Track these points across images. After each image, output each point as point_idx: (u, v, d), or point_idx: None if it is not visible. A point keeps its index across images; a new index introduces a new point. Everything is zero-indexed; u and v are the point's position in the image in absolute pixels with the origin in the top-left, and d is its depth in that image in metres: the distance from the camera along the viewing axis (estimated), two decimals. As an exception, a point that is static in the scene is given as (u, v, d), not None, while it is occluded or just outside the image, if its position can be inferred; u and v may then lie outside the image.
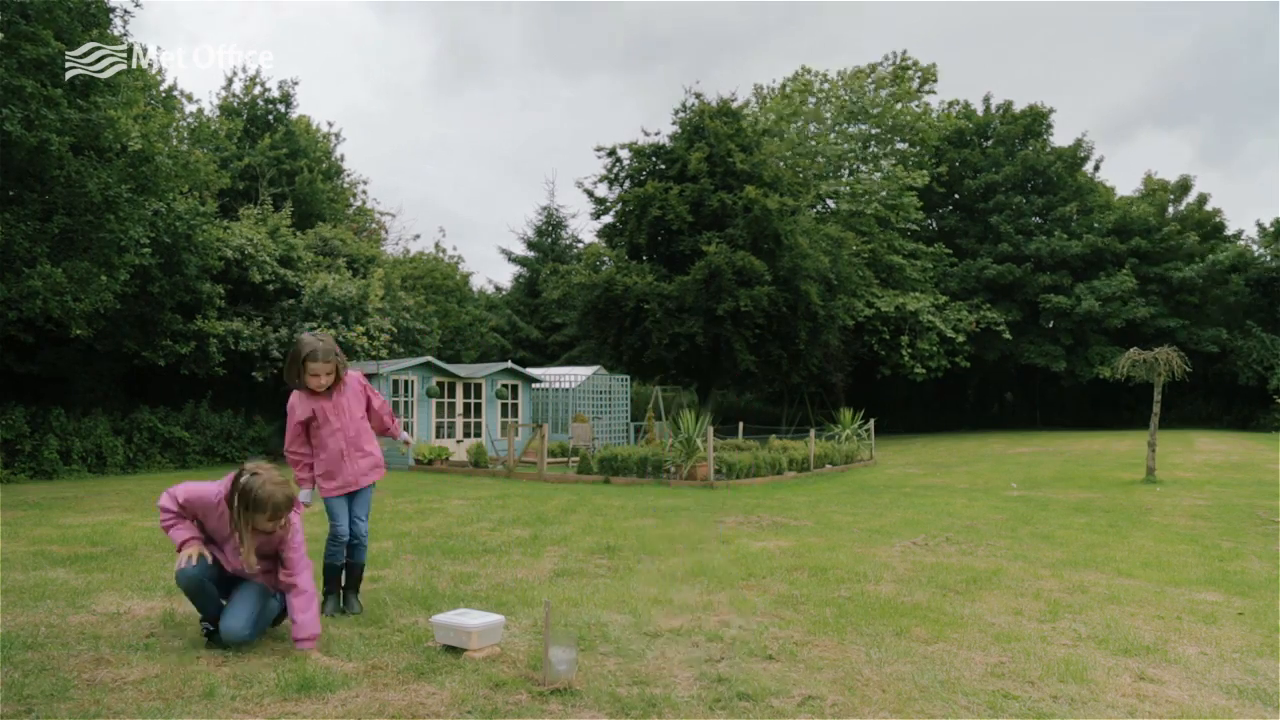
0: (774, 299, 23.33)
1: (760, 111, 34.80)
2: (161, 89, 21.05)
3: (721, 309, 22.78)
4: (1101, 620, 4.62)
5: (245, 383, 19.89)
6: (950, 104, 38.19)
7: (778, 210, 23.72)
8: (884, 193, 32.71)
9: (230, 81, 27.48)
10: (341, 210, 28.94)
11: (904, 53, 35.33)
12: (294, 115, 27.95)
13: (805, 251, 24.52)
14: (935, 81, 35.78)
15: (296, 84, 27.75)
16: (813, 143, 33.10)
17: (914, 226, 34.40)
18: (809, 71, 35.45)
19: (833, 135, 33.52)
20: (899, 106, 34.63)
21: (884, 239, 32.88)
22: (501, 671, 3.47)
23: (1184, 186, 38.06)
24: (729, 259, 22.73)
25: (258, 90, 27.33)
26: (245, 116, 26.76)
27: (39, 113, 11.80)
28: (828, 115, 34.46)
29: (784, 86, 35.64)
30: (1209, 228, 36.62)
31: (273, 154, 25.46)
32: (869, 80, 34.88)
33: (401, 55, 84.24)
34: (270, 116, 27.25)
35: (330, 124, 30.55)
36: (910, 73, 35.24)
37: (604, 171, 27.19)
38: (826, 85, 35.01)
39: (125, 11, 13.54)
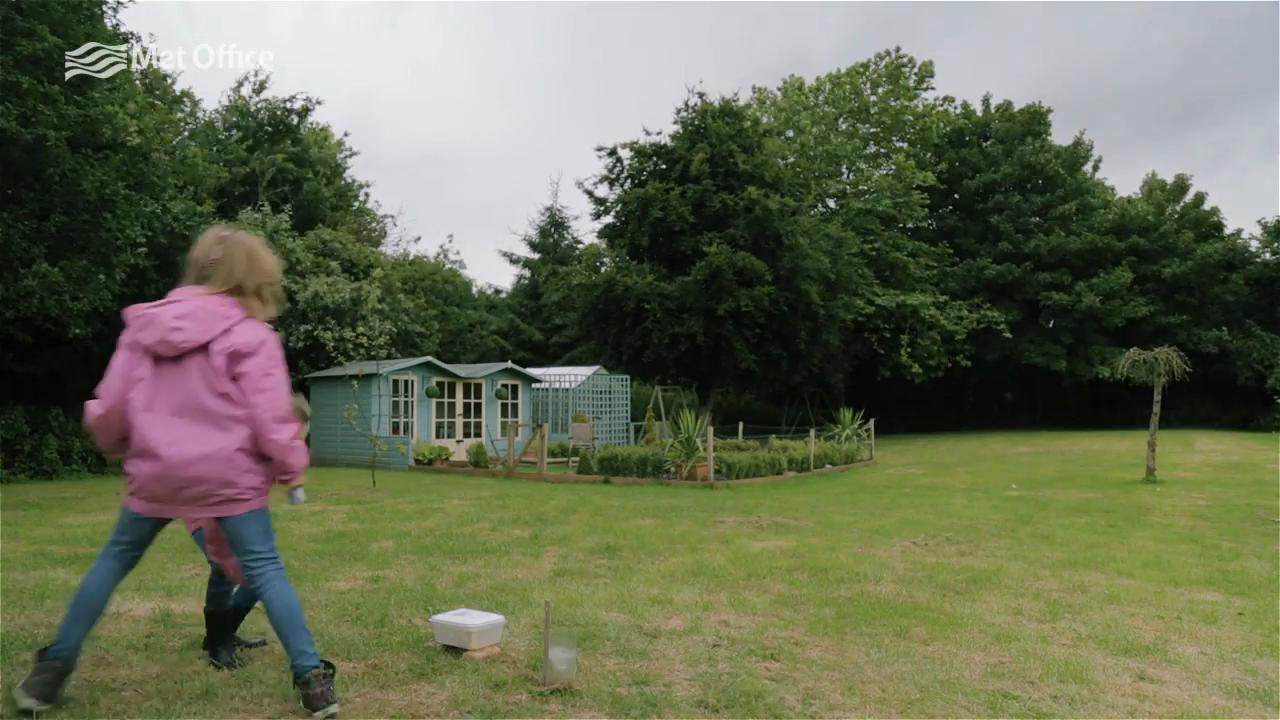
0: (774, 299, 23.33)
1: (759, 109, 34.84)
2: (169, 88, 21.10)
3: (722, 309, 22.78)
4: (1101, 620, 4.62)
5: (244, 383, 19.88)
6: (946, 99, 38.26)
7: (779, 211, 23.72)
8: (890, 192, 32.78)
9: (239, 85, 27.60)
10: (344, 214, 28.99)
11: (898, 49, 35.22)
12: (308, 125, 28.02)
13: (806, 252, 24.53)
14: (932, 77, 35.76)
15: (320, 103, 27.92)
16: (812, 140, 33.08)
17: (920, 225, 34.50)
18: (799, 82, 35.51)
19: (832, 134, 33.54)
20: (896, 104, 34.65)
21: (889, 238, 32.94)
22: (501, 671, 3.47)
23: (1181, 186, 38.14)
24: (730, 259, 22.73)
25: (267, 94, 27.42)
26: (253, 121, 26.83)
27: (35, 109, 11.77)
28: (825, 112, 34.44)
29: (785, 88, 35.65)
30: (1207, 226, 36.69)
31: (274, 156, 25.49)
32: (864, 79, 34.88)
33: (407, 50, 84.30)
34: (281, 125, 27.27)
35: (347, 134, 30.74)
36: (906, 70, 35.23)
37: (605, 171, 27.17)
38: (828, 85, 35.01)
39: (118, 2, 13.54)
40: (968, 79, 76.50)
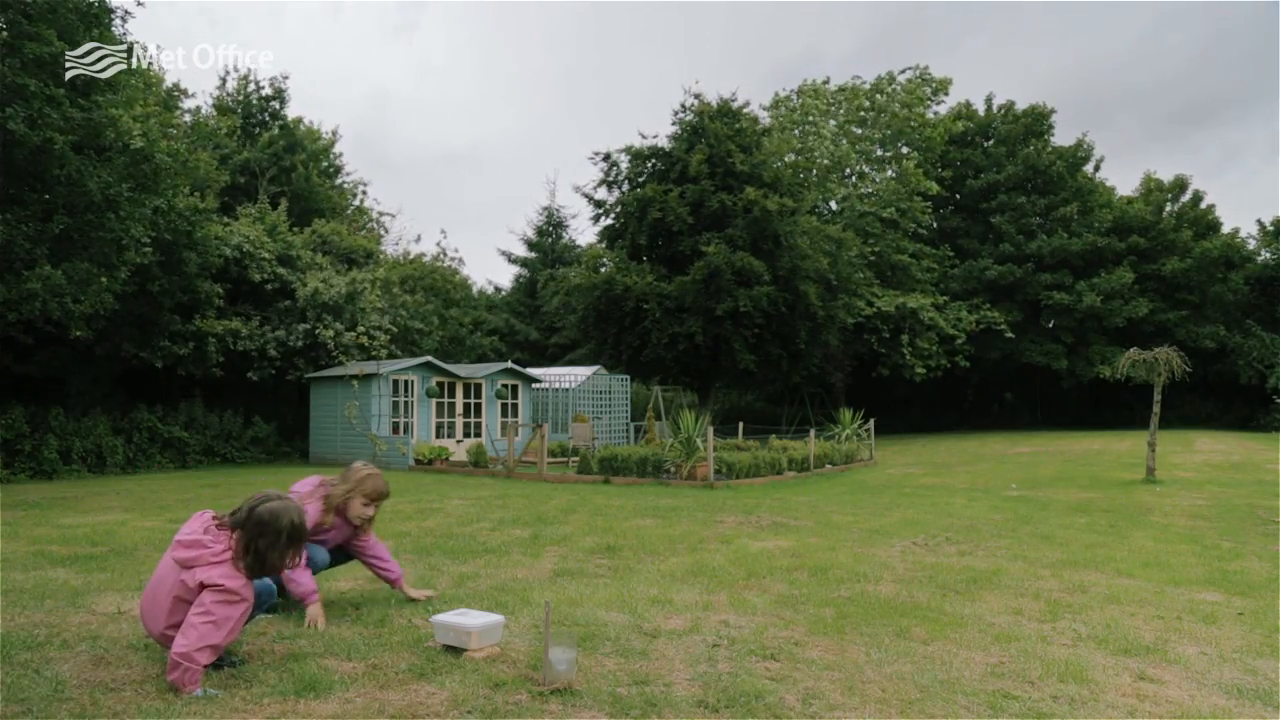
0: (773, 299, 23.32)
1: (774, 112, 34.99)
2: (162, 88, 21.10)
3: (721, 309, 22.78)
4: (1101, 620, 4.62)
5: (243, 383, 19.89)
6: (957, 108, 38.35)
7: (777, 211, 23.71)
8: (894, 196, 32.89)
9: (224, 81, 27.59)
10: (341, 208, 28.99)
11: (926, 67, 35.87)
12: (289, 113, 28.05)
13: (805, 252, 24.52)
14: (947, 94, 36.28)
15: (287, 78, 27.90)
16: (817, 141, 33.14)
17: (923, 230, 34.65)
18: (824, 83, 35.77)
19: (844, 141, 33.67)
20: (905, 112, 34.85)
21: (890, 240, 33.01)
22: (501, 671, 3.47)
23: (1180, 185, 38.16)
24: (728, 259, 22.72)
25: (251, 89, 27.43)
26: (241, 114, 26.84)
27: (41, 111, 11.80)
28: (835, 120, 34.59)
29: (803, 93, 35.80)
30: (1204, 225, 36.71)
31: (269, 150, 25.50)
32: (886, 91, 35.19)
33: (414, 52, 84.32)
34: (265, 114, 27.33)
35: (333, 132, 30.59)
36: (925, 87, 35.65)
37: (601, 175, 27.17)
38: (843, 97, 35.26)
39: (126, 12, 13.58)
40: (979, 79, 76.71)
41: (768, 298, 23.09)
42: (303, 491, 4.37)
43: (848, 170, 34.97)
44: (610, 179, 27.02)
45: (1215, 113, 71.57)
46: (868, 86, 35.47)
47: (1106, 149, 67.24)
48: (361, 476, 4.44)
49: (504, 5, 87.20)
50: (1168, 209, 37.64)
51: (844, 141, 33.70)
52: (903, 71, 35.93)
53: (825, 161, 33.08)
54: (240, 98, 27.37)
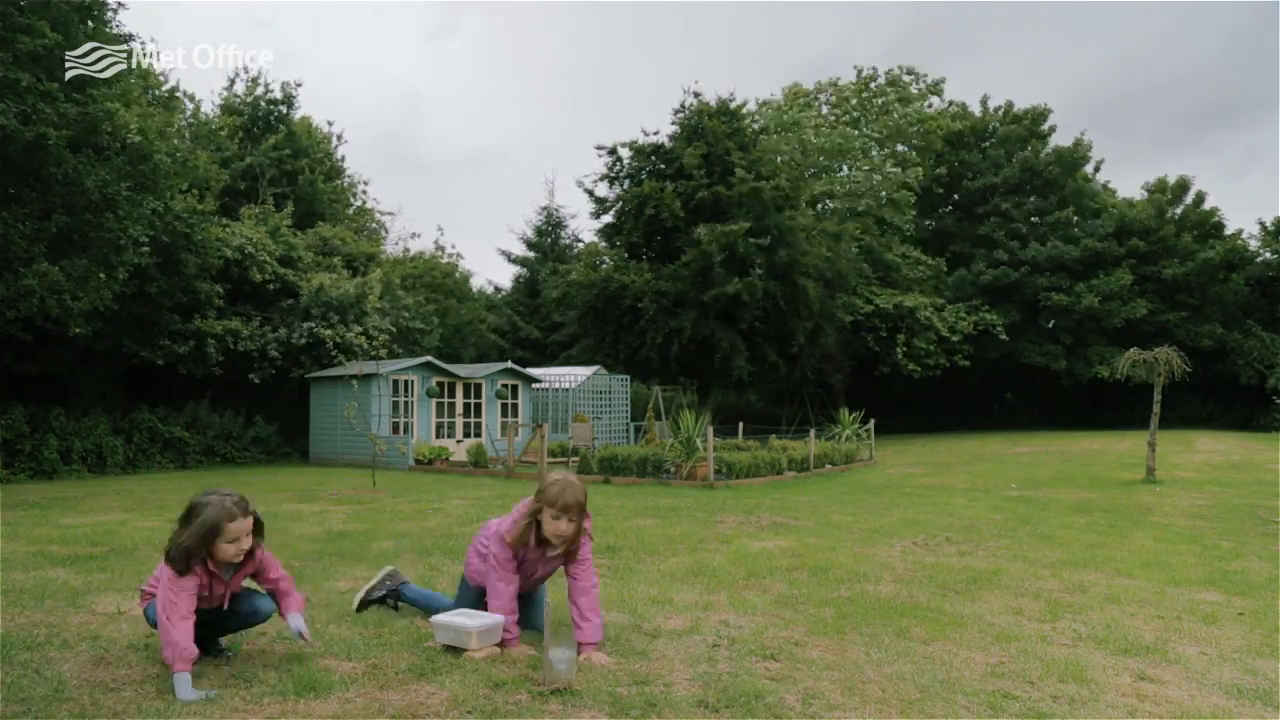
0: (770, 292, 23.30)
1: (760, 112, 35.04)
2: (164, 89, 21.09)
3: (712, 294, 22.66)
4: (1101, 620, 4.62)
5: (244, 383, 19.89)
6: (950, 103, 38.37)
7: (772, 200, 23.71)
8: (881, 192, 32.88)
9: (232, 82, 27.55)
10: (342, 210, 28.95)
11: (913, 69, 35.97)
12: (296, 116, 27.96)
13: (803, 247, 24.53)
14: (941, 95, 36.39)
15: (299, 85, 27.80)
16: (811, 136, 33.20)
17: (908, 227, 34.63)
18: (818, 86, 35.96)
19: (837, 137, 33.73)
20: (901, 109, 34.90)
21: (883, 239, 33.03)
22: (501, 671, 3.47)
23: (1182, 186, 38.10)
24: (723, 242, 22.58)
25: (260, 91, 27.37)
26: (247, 116, 26.80)
27: (35, 107, 11.74)
28: (827, 116, 34.68)
29: (786, 95, 35.85)
30: (1207, 227, 36.68)
31: (275, 154, 25.46)
32: (875, 87, 35.27)
33: (419, 53, 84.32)
34: (272, 117, 27.28)
35: (330, 124, 30.42)
36: (915, 85, 35.75)
37: (605, 170, 27.21)
38: (832, 95, 35.38)
39: (119, 3, 13.53)
40: (984, 84, 76.58)
41: (764, 290, 23.06)
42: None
43: (844, 167, 35.04)
44: (613, 174, 27.09)
45: (1229, 116, 71.51)
46: (854, 85, 35.57)
47: (1121, 152, 66.86)
48: (546, 483, 3.69)
49: (505, 5, 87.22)
50: (1170, 212, 37.59)
51: (852, 136, 33.72)
52: (888, 71, 36.12)
53: (823, 159, 33.12)
54: (249, 99, 27.31)
